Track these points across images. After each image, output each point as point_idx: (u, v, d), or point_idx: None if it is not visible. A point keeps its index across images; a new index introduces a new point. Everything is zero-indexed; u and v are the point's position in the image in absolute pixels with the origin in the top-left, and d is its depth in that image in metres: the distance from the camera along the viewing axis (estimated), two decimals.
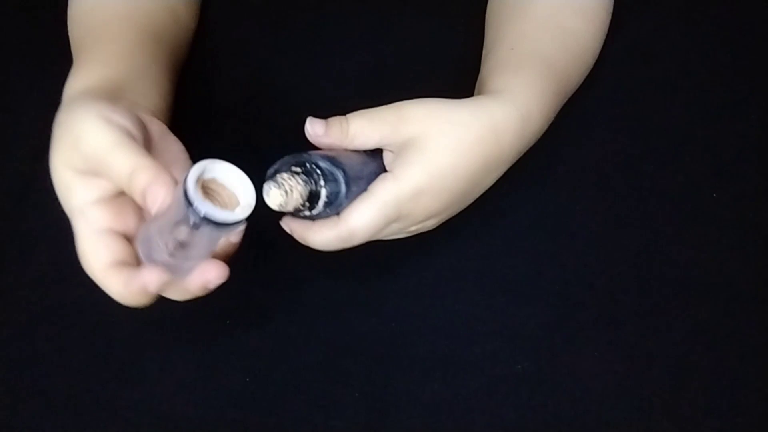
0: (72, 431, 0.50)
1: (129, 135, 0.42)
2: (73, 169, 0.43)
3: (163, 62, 0.55)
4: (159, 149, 0.47)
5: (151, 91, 0.52)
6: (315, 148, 0.48)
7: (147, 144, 0.45)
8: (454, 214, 0.51)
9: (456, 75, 0.60)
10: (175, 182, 0.42)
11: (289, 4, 0.64)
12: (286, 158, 0.46)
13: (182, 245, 0.41)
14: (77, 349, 0.52)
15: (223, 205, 0.42)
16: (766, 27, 0.64)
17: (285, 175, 0.45)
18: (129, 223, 0.44)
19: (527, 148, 0.52)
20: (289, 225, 0.49)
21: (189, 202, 0.39)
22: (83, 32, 0.55)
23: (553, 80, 0.53)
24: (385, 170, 0.49)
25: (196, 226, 0.40)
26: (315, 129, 0.47)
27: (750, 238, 0.56)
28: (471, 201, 0.51)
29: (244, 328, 0.53)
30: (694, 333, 0.52)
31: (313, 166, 0.45)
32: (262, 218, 0.44)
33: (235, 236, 0.45)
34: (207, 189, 0.42)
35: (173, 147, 0.48)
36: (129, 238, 0.44)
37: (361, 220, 0.47)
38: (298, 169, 0.45)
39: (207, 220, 0.40)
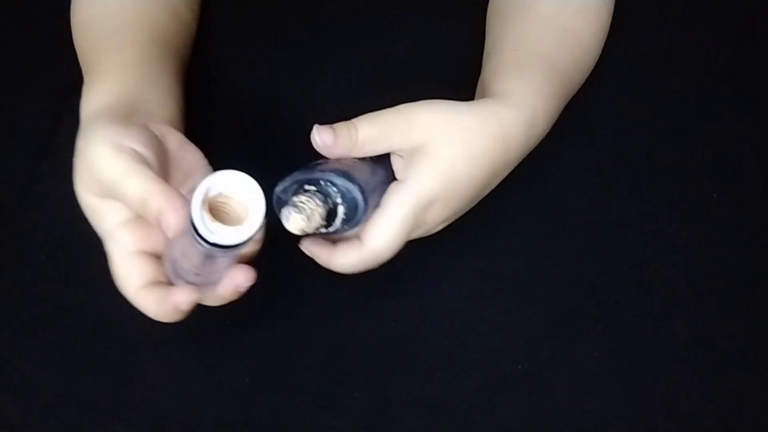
0: (72, 431, 0.50)
1: (140, 160, 0.43)
2: (94, 194, 0.44)
3: (172, 67, 0.55)
4: (177, 159, 0.47)
5: (165, 99, 0.52)
6: (315, 151, 0.47)
7: (162, 161, 0.46)
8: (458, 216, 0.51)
9: (457, 74, 0.60)
10: (188, 203, 0.41)
11: (290, 3, 0.64)
12: (295, 175, 0.45)
13: (204, 264, 0.42)
14: (77, 349, 0.52)
15: (235, 218, 0.42)
16: (767, 27, 0.64)
17: (303, 198, 0.43)
18: (158, 241, 0.45)
19: (530, 150, 0.52)
20: (310, 249, 0.48)
21: (197, 232, 0.39)
22: (90, 42, 0.55)
23: (557, 82, 0.53)
24: (392, 174, 0.48)
25: (210, 252, 0.40)
26: (323, 138, 0.46)
27: (750, 238, 0.56)
28: (475, 203, 0.51)
29: (244, 328, 0.53)
30: (694, 333, 0.52)
31: (328, 184, 0.44)
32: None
33: (255, 242, 0.44)
34: (216, 205, 0.42)
35: (192, 155, 0.48)
36: (159, 256, 0.45)
37: (384, 241, 0.46)
38: (312, 188, 0.44)
39: (218, 246, 0.40)
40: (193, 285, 0.43)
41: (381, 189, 0.47)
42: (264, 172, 0.52)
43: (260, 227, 0.41)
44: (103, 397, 0.51)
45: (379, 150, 0.47)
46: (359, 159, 0.47)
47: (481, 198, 0.51)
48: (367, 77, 0.61)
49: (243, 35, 0.63)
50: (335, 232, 0.46)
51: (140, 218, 0.44)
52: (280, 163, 0.58)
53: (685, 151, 0.59)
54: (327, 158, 0.48)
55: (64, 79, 0.60)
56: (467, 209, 0.51)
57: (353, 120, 0.47)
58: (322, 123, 0.46)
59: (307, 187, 0.44)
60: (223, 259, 0.42)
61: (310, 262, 0.50)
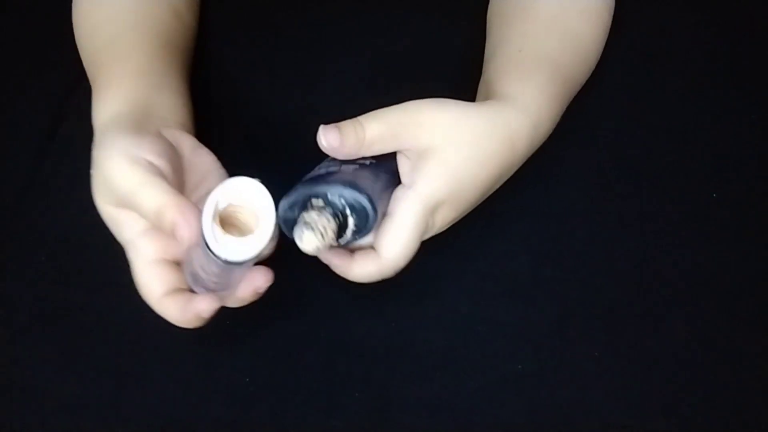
0: (72, 431, 0.50)
1: (155, 172, 0.43)
2: (113, 205, 0.45)
3: (178, 69, 0.55)
4: (192, 163, 0.48)
5: (175, 103, 0.52)
6: (316, 150, 0.47)
7: (177, 168, 0.46)
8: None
9: (457, 74, 0.60)
10: (201, 214, 0.41)
11: (290, 4, 0.64)
12: (299, 189, 0.44)
13: (222, 273, 0.43)
14: (77, 350, 0.52)
15: (247, 226, 0.42)
16: (767, 27, 0.64)
17: (313, 215, 0.43)
18: (178, 249, 0.45)
19: (534, 152, 0.52)
20: (328, 259, 0.47)
21: (209, 249, 0.40)
22: (96, 47, 0.55)
23: (561, 83, 0.53)
24: (395, 173, 0.48)
25: (224, 265, 0.41)
26: (330, 140, 0.45)
27: (750, 238, 0.56)
28: (478, 204, 0.51)
29: (244, 328, 0.53)
30: (694, 333, 0.52)
31: (336, 197, 0.44)
32: None
33: (271, 242, 0.44)
34: (227, 214, 0.42)
35: (205, 159, 0.49)
36: (180, 263, 0.46)
37: (400, 249, 0.46)
38: (320, 202, 0.43)
39: (231, 263, 0.41)
40: (213, 291, 0.44)
41: (386, 193, 0.47)
42: (265, 172, 0.52)
43: (272, 236, 0.41)
44: (103, 397, 0.51)
45: (387, 149, 0.47)
46: (361, 162, 0.47)
47: (484, 198, 0.51)
48: (367, 77, 0.61)
49: (243, 35, 0.63)
50: (346, 243, 0.45)
51: (159, 228, 0.44)
52: (280, 162, 0.58)
53: (685, 151, 0.59)
54: (327, 159, 0.48)
55: (64, 79, 0.60)
56: (471, 209, 0.51)
57: (359, 118, 0.46)
58: (321, 122, 0.46)
59: (314, 201, 0.44)
60: (238, 268, 0.43)
61: (311, 262, 0.50)
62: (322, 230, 0.42)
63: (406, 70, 0.61)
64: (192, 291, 0.46)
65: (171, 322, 0.45)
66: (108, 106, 0.50)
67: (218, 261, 0.40)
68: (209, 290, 0.44)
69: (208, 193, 0.41)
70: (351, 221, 0.44)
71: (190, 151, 0.49)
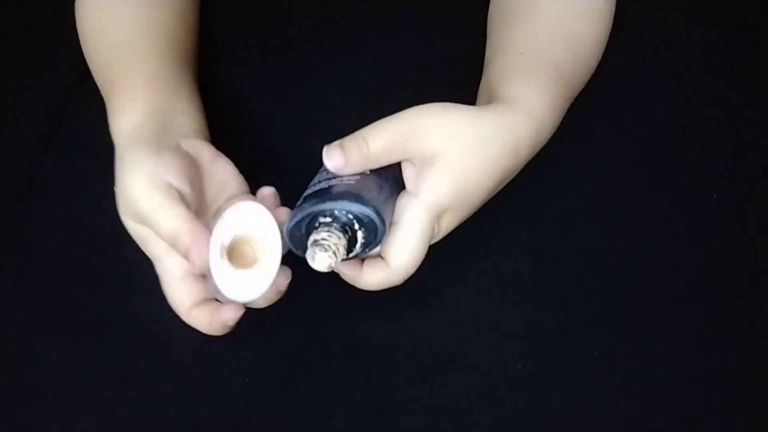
0: (72, 431, 0.50)
1: (172, 196, 0.44)
2: (137, 222, 0.46)
3: (188, 74, 0.56)
4: (211, 173, 0.49)
5: (190, 109, 0.53)
6: (316, 148, 0.47)
7: (195, 184, 0.47)
8: None
9: (457, 74, 0.60)
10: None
11: (290, 4, 0.64)
12: (305, 208, 0.44)
13: None
14: (77, 349, 0.52)
15: (256, 257, 0.44)
16: (767, 27, 0.64)
17: (323, 234, 0.43)
18: None
19: (535, 154, 0.52)
20: (337, 269, 0.48)
21: (219, 290, 0.43)
22: (106, 55, 0.55)
23: (563, 86, 0.53)
24: (399, 179, 0.48)
25: None
26: (334, 161, 0.45)
27: (750, 238, 0.56)
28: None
29: (244, 328, 0.52)
30: (694, 333, 0.52)
31: (344, 213, 0.43)
32: None
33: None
34: (235, 244, 0.44)
35: (224, 167, 0.50)
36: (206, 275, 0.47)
37: (407, 257, 0.46)
38: (328, 219, 0.43)
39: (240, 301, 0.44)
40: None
41: (391, 201, 0.47)
42: (265, 173, 0.52)
43: (279, 265, 0.43)
44: (103, 397, 0.51)
45: (392, 161, 0.47)
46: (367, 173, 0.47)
47: (486, 201, 0.51)
48: (367, 77, 0.61)
49: (243, 36, 0.63)
50: (356, 256, 0.45)
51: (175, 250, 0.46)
52: (281, 163, 0.58)
53: (685, 151, 0.59)
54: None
55: (64, 79, 0.60)
56: (474, 212, 0.51)
57: (362, 132, 0.46)
58: (322, 124, 0.46)
59: (321, 219, 0.44)
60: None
61: None
62: (334, 248, 0.43)
63: (406, 71, 0.61)
64: (218, 300, 0.47)
65: (201, 331, 0.47)
66: (126, 119, 0.50)
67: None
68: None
69: (221, 212, 0.43)
70: (360, 235, 0.44)
71: (209, 161, 0.49)
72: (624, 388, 0.51)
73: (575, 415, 0.50)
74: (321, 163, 0.48)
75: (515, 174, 0.51)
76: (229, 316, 0.46)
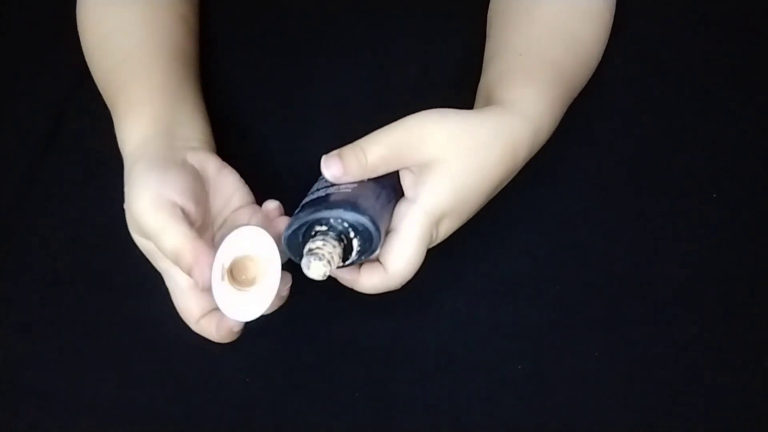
0: (72, 431, 0.50)
1: (176, 215, 0.44)
2: (143, 237, 0.47)
3: (192, 79, 0.56)
4: (217, 185, 0.49)
5: (196, 118, 0.53)
6: (316, 150, 0.47)
7: (201, 200, 0.47)
8: None
9: (457, 75, 0.60)
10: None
11: (290, 4, 0.64)
12: (302, 216, 0.44)
13: None
14: (77, 349, 0.52)
15: (256, 276, 0.45)
16: (767, 27, 0.64)
17: (318, 243, 0.43)
18: None
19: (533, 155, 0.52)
20: (335, 273, 0.48)
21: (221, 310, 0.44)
22: (110, 65, 0.55)
23: (562, 87, 0.53)
24: (397, 185, 0.48)
25: None
26: (332, 170, 0.46)
27: (750, 238, 0.56)
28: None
29: (244, 328, 0.53)
30: (694, 333, 0.52)
31: (339, 221, 0.44)
32: None
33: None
34: (236, 264, 0.45)
35: (229, 179, 0.50)
36: None
37: (405, 263, 0.46)
38: (323, 228, 0.44)
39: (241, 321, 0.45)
40: None
41: (388, 207, 0.47)
42: (265, 174, 0.52)
43: (277, 286, 0.45)
44: (103, 397, 0.51)
45: (390, 170, 0.47)
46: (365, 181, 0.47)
47: (484, 204, 0.51)
48: (367, 78, 0.61)
49: (243, 36, 0.63)
50: (352, 263, 0.46)
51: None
52: (280, 163, 0.58)
53: (685, 151, 0.58)
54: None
55: (64, 79, 0.60)
56: (472, 216, 0.51)
57: (361, 143, 0.46)
58: (322, 124, 0.46)
59: (317, 228, 0.44)
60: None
61: None
62: (329, 257, 0.43)
63: (406, 71, 0.61)
64: None
65: (210, 339, 0.48)
66: (134, 132, 0.51)
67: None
68: None
69: (225, 227, 0.44)
70: (356, 243, 0.44)
71: (215, 173, 0.50)
72: (624, 388, 0.51)
73: (575, 415, 0.50)
74: (319, 165, 0.48)
75: (514, 175, 0.51)
76: (234, 324, 0.47)
